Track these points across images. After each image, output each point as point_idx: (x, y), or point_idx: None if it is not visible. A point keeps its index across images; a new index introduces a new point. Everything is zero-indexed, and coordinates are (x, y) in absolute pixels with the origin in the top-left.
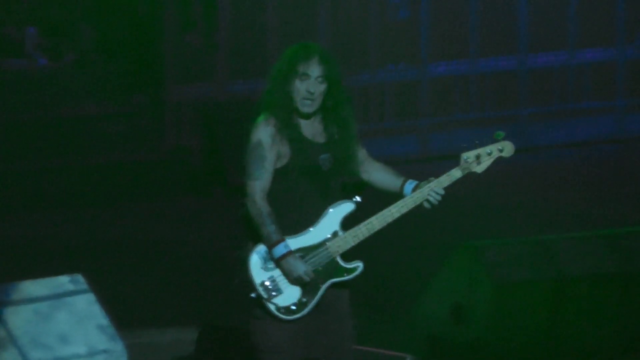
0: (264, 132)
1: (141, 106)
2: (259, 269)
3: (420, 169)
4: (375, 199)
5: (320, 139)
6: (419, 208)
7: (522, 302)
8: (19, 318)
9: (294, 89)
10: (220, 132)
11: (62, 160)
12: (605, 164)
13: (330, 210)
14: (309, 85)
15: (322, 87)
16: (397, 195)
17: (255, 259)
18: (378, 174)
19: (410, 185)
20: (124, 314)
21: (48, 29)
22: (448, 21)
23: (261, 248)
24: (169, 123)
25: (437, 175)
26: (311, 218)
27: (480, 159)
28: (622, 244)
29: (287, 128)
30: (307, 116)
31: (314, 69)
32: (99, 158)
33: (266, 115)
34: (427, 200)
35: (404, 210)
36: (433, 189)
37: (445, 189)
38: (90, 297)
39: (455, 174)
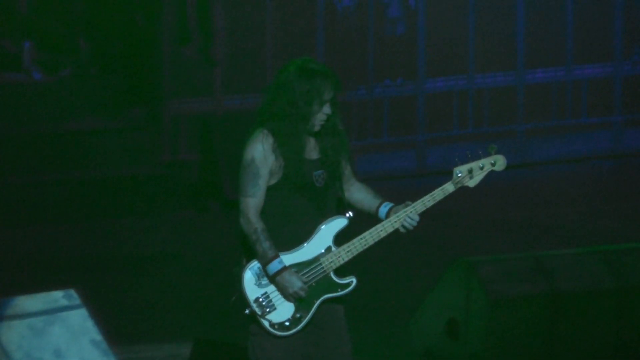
0: (257, 149)
1: (138, 120)
2: (253, 286)
3: (418, 184)
4: (369, 214)
5: (314, 155)
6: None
7: (518, 318)
8: (13, 333)
9: (310, 111)
10: (217, 147)
11: (58, 174)
12: (602, 180)
13: (323, 226)
14: (328, 108)
15: (330, 112)
16: (373, 217)
17: (249, 276)
18: (358, 195)
19: (385, 208)
20: (118, 329)
21: (45, 43)
22: (446, 37)
23: (254, 264)
24: (166, 137)
25: (431, 191)
26: (305, 234)
27: (472, 173)
28: (618, 260)
29: (289, 148)
30: (311, 133)
31: (331, 93)
32: (96, 172)
33: (262, 132)
34: (402, 225)
35: (390, 229)
36: (409, 215)
37: (440, 203)
38: (83, 313)
39: (448, 188)
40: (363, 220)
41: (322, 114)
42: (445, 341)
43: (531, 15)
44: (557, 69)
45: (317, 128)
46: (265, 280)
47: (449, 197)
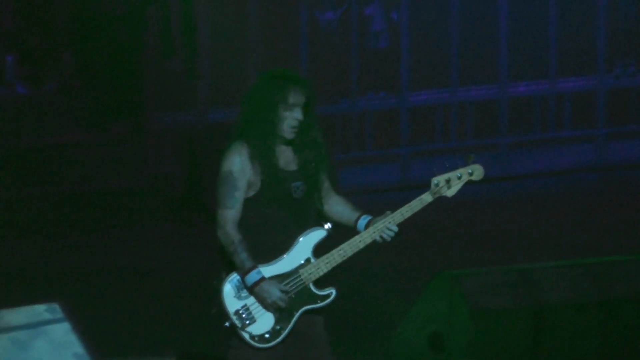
0: (234, 162)
1: (122, 134)
2: (233, 298)
3: (401, 197)
4: (348, 227)
5: (293, 166)
6: (398, 237)
7: (501, 331)
8: None
9: (278, 117)
10: (201, 160)
11: (42, 187)
12: (585, 193)
13: (302, 238)
14: (297, 114)
15: (302, 117)
16: (352, 229)
17: (229, 288)
18: (337, 207)
19: (363, 220)
20: (101, 343)
21: (28, 57)
22: (428, 50)
23: (234, 277)
24: (150, 151)
25: (409, 202)
26: (285, 246)
27: (450, 182)
28: (602, 273)
29: (262, 157)
30: (288, 142)
31: (300, 97)
32: (80, 185)
33: (239, 144)
34: (381, 237)
35: (369, 240)
36: (387, 226)
37: (424, 215)
38: (66, 326)
39: (426, 198)
40: (342, 232)
41: (291, 119)
42: (428, 354)
43: (514, 28)
44: (540, 82)
45: (288, 134)
46: (244, 293)
47: (433, 209)
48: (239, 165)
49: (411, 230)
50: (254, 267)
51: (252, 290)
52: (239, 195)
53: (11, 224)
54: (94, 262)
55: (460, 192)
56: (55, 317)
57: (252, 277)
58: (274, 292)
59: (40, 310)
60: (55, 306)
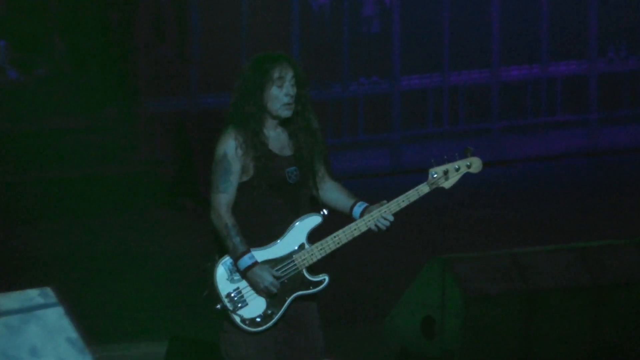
0: (229, 145)
1: (113, 119)
2: (225, 281)
3: (393, 182)
4: (343, 214)
5: (287, 151)
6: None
7: (494, 316)
8: None
9: (269, 97)
10: (193, 145)
11: (33, 173)
12: (577, 178)
13: (297, 223)
14: (287, 89)
15: (295, 90)
16: (347, 216)
17: (222, 271)
18: (332, 194)
19: (359, 207)
20: (94, 328)
21: (20, 42)
22: (420, 34)
23: (227, 260)
24: (142, 136)
25: (406, 190)
26: (279, 231)
27: (448, 174)
28: (594, 257)
29: (254, 142)
30: (282, 123)
31: (288, 72)
32: (71, 171)
33: (233, 128)
34: (376, 225)
35: (364, 228)
36: (383, 215)
37: (414, 203)
38: (59, 311)
39: (423, 189)
40: (337, 219)
41: (282, 95)
42: (421, 339)
43: (506, 12)
44: (532, 66)
45: (284, 112)
46: (237, 276)
47: (424, 197)
48: (233, 149)
49: (403, 215)
50: (247, 251)
51: (244, 274)
52: (233, 179)
53: (2, 210)
54: (85, 247)
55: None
56: (48, 301)
57: (244, 261)
58: (266, 277)
59: (33, 295)
60: (48, 290)
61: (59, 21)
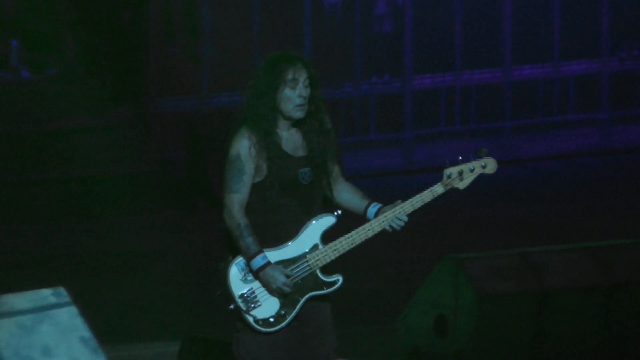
0: (242, 146)
1: (125, 119)
2: (238, 281)
3: (405, 181)
4: (357, 214)
5: (301, 152)
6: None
7: (506, 315)
8: (1, 331)
9: (282, 98)
10: (203, 145)
11: (44, 173)
12: (589, 177)
13: (311, 223)
14: (301, 90)
15: (309, 91)
16: (361, 217)
17: (235, 271)
18: (346, 195)
19: (373, 208)
20: (106, 328)
21: (31, 41)
22: (432, 33)
23: (240, 260)
24: (153, 136)
25: (420, 190)
26: (292, 231)
27: (462, 175)
28: (606, 256)
29: (267, 143)
30: (295, 124)
31: (302, 73)
32: (83, 170)
33: (246, 129)
34: (390, 226)
35: (378, 229)
36: (397, 216)
37: (427, 203)
38: (72, 310)
39: (438, 189)
40: (350, 220)
41: (295, 97)
42: (433, 338)
43: (518, 11)
44: (544, 65)
45: (296, 113)
46: (250, 277)
47: (435, 198)
48: (247, 149)
49: (415, 214)
50: (260, 251)
51: (257, 274)
52: (247, 179)
53: (14, 209)
54: (97, 247)
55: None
56: (61, 301)
57: (257, 261)
58: (279, 278)
59: (46, 294)
60: (61, 290)
61: (70, 21)
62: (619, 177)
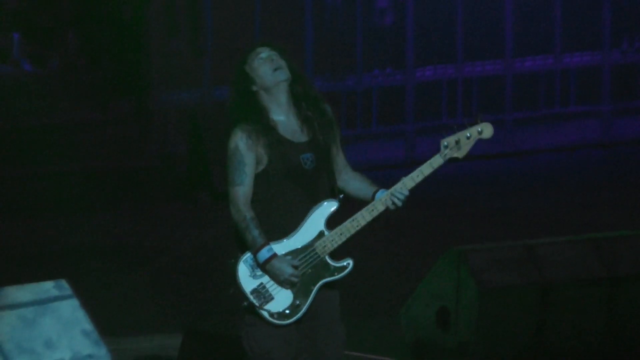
0: (239, 137)
1: (126, 112)
2: (248, 277)
3: (407, 173)
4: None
5: (301, 138)
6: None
7: (509, 307)
8: (3, 324)
9: (260, 75)
10: (206, 138)
11: (46, 166)
12: (591, 169)
13: (314, 210)
14: (271, 61)
15: (282, 61)
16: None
17: (243, 268)
18: (354, 183)
19: (381, 193)
20: (109, 320)
21: (33, 34)
22: (434, 26)
23: (247, 256)
24: (155, 129)
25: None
26: (297, 219)
27: (459, 143)
28: (608, 248)
29: (264, 130)
30: (291, 106)
31: (263, 49)
32: (85, 164)
33: (240, 123)
34: (392, 202)
35: (382, 208)
36: (398, 191)
37: (430, 193)
38: (74, 303)
39: (437, 161)
40: (355, 205)
41: (269, 66)
42: (436, 331)
43: (520, 3)
44: (546, 57)
45: (278, 78)
46: (259, 271)
47: (439, 185)
48: (244, 139)
49: (418, 207)
50: (266, 244)
51: (263, 267)
52: (249, 170)
53: (16, 202)
54: (100, 240)
55: (465, 167)
56: (63, 293)
57: (262, 254)
58: (286, 269)
59: (47, 287)
60: (63, 283)
61: (72, 14)
62: (621, 170)
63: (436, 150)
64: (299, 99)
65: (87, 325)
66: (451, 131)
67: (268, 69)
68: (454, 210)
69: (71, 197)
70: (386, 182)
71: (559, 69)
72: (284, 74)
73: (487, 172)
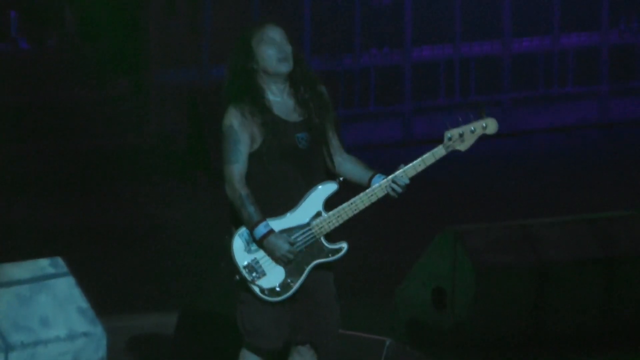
0: (234, 116)
1: (124, 90)
2: (242, 252)
3: (404, 153)
4: (360, 185)
5: (295, 117)
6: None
7: (505, 288)
8: (0, 301)
9: (264, 58)
10: (204, 117)
11: (44, 144)
12: (589, 149)
13: (313, 191)
14: (280, 45)
15: (290, 48)
16: (365, 189)
17: (238, 242)
18: (348, 165)
19: (378, 179)
20: (104, 299)
21: (30, 12)
22: (432, 5)
23: (243, 231)
24: (153, 107)
25: (414, 157)
26: (294, 199)
27: (463, 136)
28: (605, 228)
29: (259, 109)
30: (288, 87)
31: (275, 30)
32: (82, 142)
33: (235, 102)
34: (392, 189)
35: (381, 193)
36: (399, 179)
37: (427, 173)
38: (70, 281)
39: (439, 152)
40: (352, 190)
41: (277, 52)
42: (432, 310)
43: None
44: (544, 37)
45: (283, 67)
46: (254, 247)
47: (436, 165)
48: (238, 118)
49: (414, 187)
50: (262, 220)
51: (260, 243)
52: (243, 148)
53: (13, 180)
54: (97, 218)
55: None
56: (58, 271)
57: (259, 230)
58: (282, 245)
59: (43, 265)
60: (59, 260)
61: None
62: (618, 150)
63: (433, 129)
64: (297, 81)
65: (82, 303)
66: (456, 122)
67: (273, 55)
68: (451, 190)
69: (67, 175)
70: (384, 161)
71: (557, 50)
72: (286, 66)
73: (484, 152)
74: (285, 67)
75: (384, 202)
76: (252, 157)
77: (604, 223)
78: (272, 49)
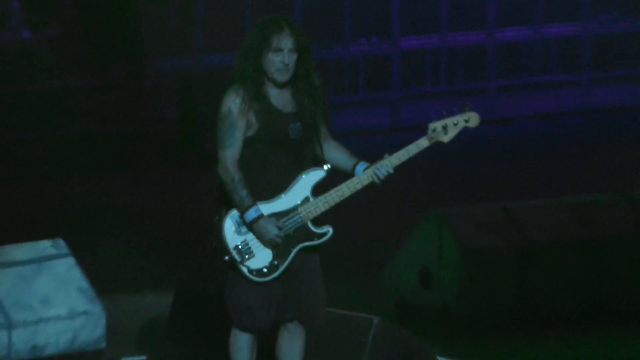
0: (233, 101)
1: (119, 78)
2: (233, 233)
3: (392, 139)
4: (344, 172)
5: (290, 108)
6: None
7: (489, 269)
8: (2, 281)
9: (267, 61)
10: (197, 104)
11: (41, 131)
12: (570, 134)
13: (302, 177)
14: (283, 57)
15: (294, 57)
16: (349, 175)
17: (229, 224)
18: (334, 153)
19: (361, 166)
20: (103, 278)
21: (32, 2)
22: None
23: (235, 213)
24: (147, 95)
25: (405, 146)
26: (283, 185)
27: (447, 129)
28: (588, 211)
29: (256, 99)
30: (281, 85)
31: (286, 42)
32: (78, 129)
33: (236, 86)
34: (377, 177)
35: (367, 181)
36: (384, 168)
37: (414, 157)
38: (71, 261)
39: (423, 143)
40: (339, 176)
41: (277, 62)
42: (419, 290)
43: None
44: (527, 28)
45: (278, 77)
46: (244, 229)
47: (423, 150)
48: (238, 104)
49: (400, 171)
50: (253, 204)
51: (250, 226)
52: (239, 134)
53: (12, 166)
54: (93, 202)
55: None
56: (59, 252)
57: (250, 214)
58: (272, 230)
59: (45, 246)
60: (60, 241)
61: None
62: (599, 135)
63: (420, 115)
64: (298, 79)
65: (83, 282)
66: (440, 114)
67: (274, 66)
68: (437, 174)
69: (64, 160)
70: (372, 147)
71: (540, 39)
72: (282, 78)
73: (469, 138)
74: (280, 78)
75: (371, 187)
76: (246, 142)
77: (586, 206)
78: (277, 57)
